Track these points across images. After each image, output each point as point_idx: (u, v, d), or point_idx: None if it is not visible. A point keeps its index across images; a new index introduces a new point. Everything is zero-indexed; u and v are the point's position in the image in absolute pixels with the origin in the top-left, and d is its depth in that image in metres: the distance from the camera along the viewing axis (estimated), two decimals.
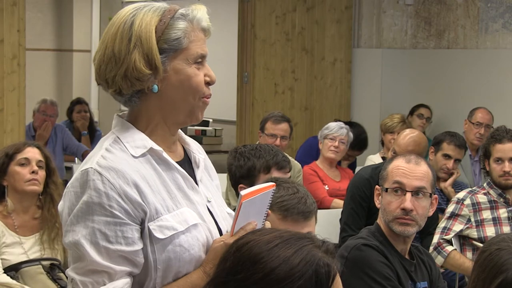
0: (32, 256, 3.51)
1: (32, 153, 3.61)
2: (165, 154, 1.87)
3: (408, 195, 2.89)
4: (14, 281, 3.34)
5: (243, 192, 1.80)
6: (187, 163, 1.95)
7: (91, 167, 1.79)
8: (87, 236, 1.75)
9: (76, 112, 7.64)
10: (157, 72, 1.83)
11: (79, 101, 7.78)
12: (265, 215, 1.90)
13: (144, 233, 1.79)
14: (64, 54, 10.69)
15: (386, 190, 2.94)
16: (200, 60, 1.87)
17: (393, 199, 2.91)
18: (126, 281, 1.78)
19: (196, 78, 1.86)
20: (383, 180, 2.99)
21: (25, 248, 3.51)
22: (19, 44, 6.02)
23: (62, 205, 1.84)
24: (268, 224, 1.95)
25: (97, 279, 1.76)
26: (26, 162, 3.57)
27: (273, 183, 1.91)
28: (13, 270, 3.43)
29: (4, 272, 3.40)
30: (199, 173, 1.96)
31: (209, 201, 1.94)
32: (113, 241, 1.75)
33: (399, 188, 2.91)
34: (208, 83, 1.89)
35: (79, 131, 7.53)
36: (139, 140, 1.85)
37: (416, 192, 2.91)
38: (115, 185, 1.76)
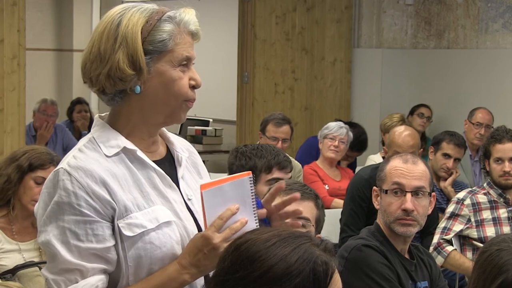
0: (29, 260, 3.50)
1: None
2: (139, 153, 1.88)
3: (408, 195, 2.88)
4: (12, 282, 3.33)
5: (201, 182, 1.80)
6: (168, 162, 1.95)
7: (62, 167, 1.82)
8: (58, 236, 1.78)
9: (76, 112, 7.66)
10: (141, 73, 1.83)
11: (79, 101, 7.81)
12: (253, 204, 1.85)
13: (115, 230, 1.81)
14: (64, 54, 10.67)
15: (386, 191, 2.93)
16: (185, 63, 1.87)
17: (393, 200, 2.90)
18: (100, 277, 1.80)
19: (180, 82, 1.86)
20: (381, 182, 2.98)
21: (23, 254, 3.51)
22: (19, 44, 6.00)
23: (37, 206, 1.87)
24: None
25: (69, 277, 1.78)
26: (42, 182, 3.46)
27: (248, 171, 1.88)
28: (9, 273, 3.42)
29: (0, 277, 3.39)
30: (180, 171, 1.97)
31: (189, 199, 1.94)
32: (84, 239, 1.78)
33: (399, 189, 2.90)
34: (193, 87, 1.89)
35: (79, 131, 7.54)
36: (113, 140, 1.87)
37: (416, 192, 2.90)
38: (83, 184, 1.78)
